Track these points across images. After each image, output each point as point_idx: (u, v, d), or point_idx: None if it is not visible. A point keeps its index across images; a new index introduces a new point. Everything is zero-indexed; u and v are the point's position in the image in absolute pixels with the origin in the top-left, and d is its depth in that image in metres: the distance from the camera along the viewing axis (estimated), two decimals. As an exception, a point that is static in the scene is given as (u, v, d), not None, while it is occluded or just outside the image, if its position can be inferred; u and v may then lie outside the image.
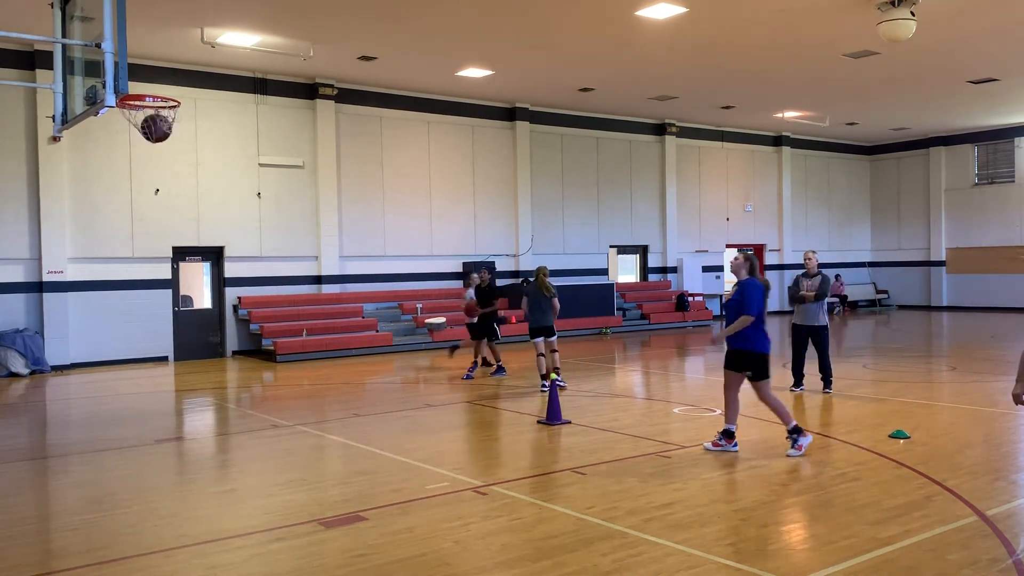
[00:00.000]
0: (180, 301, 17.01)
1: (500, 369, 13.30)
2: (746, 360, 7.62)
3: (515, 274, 21.14)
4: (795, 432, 7.53)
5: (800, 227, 27.99)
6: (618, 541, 5.26)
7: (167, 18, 13.61)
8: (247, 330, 17.28)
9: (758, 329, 7.59)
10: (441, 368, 14.63)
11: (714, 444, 7.71)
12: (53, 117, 7.94)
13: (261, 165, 17.54)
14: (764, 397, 7.64)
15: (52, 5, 7.95)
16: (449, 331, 16.88)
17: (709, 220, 25.63)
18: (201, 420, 10.68)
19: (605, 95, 20.31)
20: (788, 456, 7.38)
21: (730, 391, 7.77)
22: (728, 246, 26.48)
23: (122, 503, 6.41)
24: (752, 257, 7.94)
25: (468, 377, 13.05)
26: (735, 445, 7.67)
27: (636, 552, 5.06)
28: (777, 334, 20.61)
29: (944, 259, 28.11)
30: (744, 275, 7.82)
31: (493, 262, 20.59)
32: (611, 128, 23.07)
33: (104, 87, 6.48)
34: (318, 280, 18.33)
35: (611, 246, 23.41)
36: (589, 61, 16.88)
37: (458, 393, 11.70)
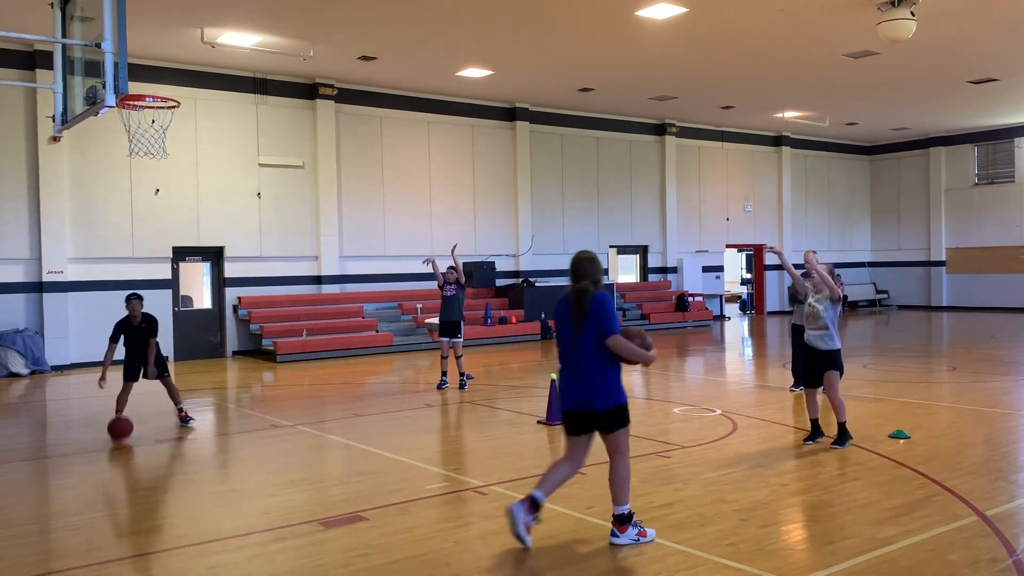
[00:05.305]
0: (180, 301, 17.00)
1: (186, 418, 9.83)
2: None
3: (515, 274, 21.14)
4: None
5: (800, 227, 27.98)
6: (618, 541, 5.26)
7: (167, 18, 13.62)
8: (247, 330, 17.28)
9: None
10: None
11: None
12: (53, 117, 7.92)
13: (261, 165, 17.54)
14: None
15: (52, 5, 7.93)
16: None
17: (709, 220, 25.62)
18: (201, 420, 10.67)
19: (605, 95, 20.31)
20: None
21: None
22: (728, 246, 26.50)
23: (122, 503, 6.41)
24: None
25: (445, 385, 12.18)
26: None
27: (636, 552, 5.06)
28: (778, 334, 20.62)
29: (944, 259, 28.10)
30: None
31: (493, 262, 20.59)
32: (611, 128, 23.07)
33: (104, 87, 6.47)
34: (318, 280, 18.32)
35: (611, 246, 23.40)
36: (589, 61, 16.88)
37: (458, 393, 11.69)
